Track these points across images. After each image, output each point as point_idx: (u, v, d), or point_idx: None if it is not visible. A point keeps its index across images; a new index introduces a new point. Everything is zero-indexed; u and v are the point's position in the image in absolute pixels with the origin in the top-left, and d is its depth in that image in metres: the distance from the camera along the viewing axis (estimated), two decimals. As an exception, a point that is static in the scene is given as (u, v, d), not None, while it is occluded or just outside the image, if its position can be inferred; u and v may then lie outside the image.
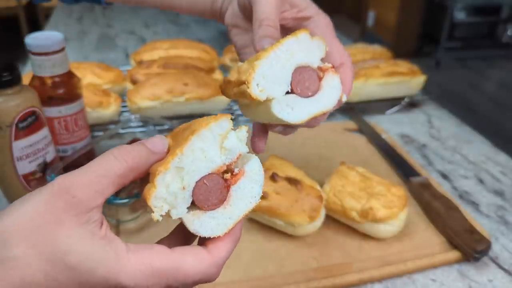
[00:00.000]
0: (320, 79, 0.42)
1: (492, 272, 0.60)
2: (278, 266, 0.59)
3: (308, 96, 0.41)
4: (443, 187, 0.76)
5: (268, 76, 0.39)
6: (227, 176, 0.35)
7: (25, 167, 0.66)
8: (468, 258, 0.61)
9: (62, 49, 0.69)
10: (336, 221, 0.66)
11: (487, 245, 0.59)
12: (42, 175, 0.68)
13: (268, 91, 0.39)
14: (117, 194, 0.67)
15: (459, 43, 4.17)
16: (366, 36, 4.46)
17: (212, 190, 0.34)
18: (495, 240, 0.65)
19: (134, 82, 0.99)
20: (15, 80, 0.62)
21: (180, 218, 0.34)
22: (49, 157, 0.69)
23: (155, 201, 0.32)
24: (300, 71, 0.41)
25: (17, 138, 0.63)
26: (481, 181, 0.79)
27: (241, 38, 0.52)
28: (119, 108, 0.92)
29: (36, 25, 3.77)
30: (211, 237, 0.34)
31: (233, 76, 0.41)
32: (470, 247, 0.59)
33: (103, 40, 1.49)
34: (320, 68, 0.42)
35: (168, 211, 0.33)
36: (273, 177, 0.63)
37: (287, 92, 0.40)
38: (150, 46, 1.14)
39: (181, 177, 0.33)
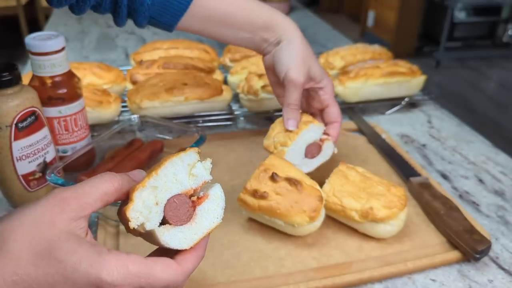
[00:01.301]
0: (320, 146, 0.71)
1: (492, 272, 0.60)
2: (278, 266, 0.59)
3: (315, 157, 0.72)
4: (443, 187, 0.76)
5: (292, 158, 0.69)
6: (194, 198, 0.42)
7: (24, 167, 0.66)
8: (468, 258, 0.61)
9: (62, 49, 0.69)
10: (336, 221, 0.66)
11: (488, 245, 0.59)
12: (42, 175, 0.68)
13: (297, 164, 0.70)
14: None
15: (459, 43, 4.17)
16: (366, 36, 4.46)
17: (180, 208, 0.40)
18: (495, 240, 0.65)
19: (134, 82, 0.99)
20: (15, 80, 0.62)
21: (153, 231, 0.39)
22: (49, 157, 0.69)
23: (132, 212, 0.38)
24: (311, 146, 0.71)
25: (16, 138, 0.63)
26: (481, 181, 0.79)
27: (272, 77, 0.76)
28: (119, 108, 0.92)
29: (36, 25, 3.77)
30: (179, 249, 0.40)
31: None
32: (470, 247, 0.59)
33: (103, 40, 1.49)
34: (321, 140, 0.72)
35: (143, 224, 0.38)
36: (273, 177, 0.63)
37: (305, 157, 0.71)
38: (150, 46, 1.14)
39: (155, 194, 0.39)
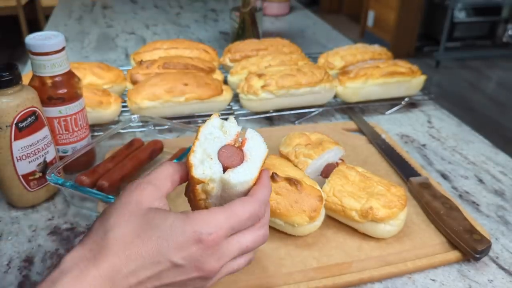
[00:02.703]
0: (334, 167, 0.69)
1: (492, 272, 0.60)
2: (278, 266, 0.59)
3: (327, 177, 0.68)
4: (443, 187, 0.76)
5: (310, 172, 0.70)
6: (237, 145, 0.47)
7: (25, 167, 0.66)
8: (469, 258, 0.61)
9: (62, 49, 0.69)
10: (336, 221, 0.66)
11: (488, 245, 0.59)
12: (42, 175, 0.68)
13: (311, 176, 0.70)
14: (117, 194, 0.67)
15: (459, 43, 4.17)
16: (366, 36, 4.46)
17: (231, 154, 0.46)
18: (495, 240, 0.65)
19: (134, 82, 0.99)
20: (15, 80, 0.62)
21: (222, 179, 0.44)
22: (49, 157, 0.69)
23: (196, 171, 0.44)
24: (329, 165, 0.71)
25: (17, 138, 0.63)
26: (481, 181, 0.79)
27: None
28: (119, 108, 0.92)
29: (36, 25, 3.77)
30: (248, 182, 0.45)
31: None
32: (470, 247, 0.59)
33: (103, 40, 1.49)
34: (337, 163, 0.71)
35: (211, 178, 0.44)
36: (273, 177, 0.63)
37: (320, 175, 0.72)
38: (150, 46, 1.14)
39: (206, 153, 0.45)
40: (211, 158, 0.45)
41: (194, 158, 0.44)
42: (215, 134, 0.46)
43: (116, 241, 0.39)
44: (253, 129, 0.49)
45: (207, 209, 0.43)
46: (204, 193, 0.46)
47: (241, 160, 0.46)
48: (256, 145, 0.47)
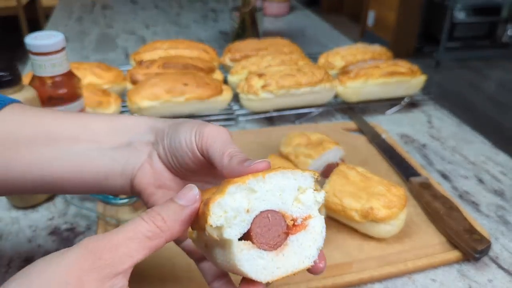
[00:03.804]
0: (336, 166, 0.68)
1: (492, 272, 0.60)
2: (278, 266, 0.59)
3: (327, 177, 0.66)
4: (443, 187, 0.76)
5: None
6: (289, 223, 0.33)
7: (25, 167, 0.66)
8: (468, 258, 0.61)
9: (62, 49, 0.69)
10: (337, 221, 0.66)
11: (487, 245, 0.59)
12: (42, 175, 0.68)
13: None
14: (117, 195, 0.67)
15: (459, 43, 4.16)
16: (366, 36, 4.46)
17: (271, 228, 0.32)
18: (495, 240, 0.65)
19: (134, 82, 0.99)
20: (15, 80, 0.62)
21: (229, 243, 0.31)
22: (49, 157, 0.69)
23: (217, 207, 0.30)
24: (329, 165, 0.71)
25: (17, 138, 0.63)
26: (481, 181, 0.79)
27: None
28: (119, 108, 0.92)
29: (36, 25, 3.77)
30: (251, 279, 0.31)
31: None
32: (470, 247, 0.59)
33: (103, 40, 1.49)
34: (337, 163, 0.71)
35: (221, 228, 0.31)
36: (273, 177, 0.63)
37: (321, 176, 0.64)
38: (150, 46, 1.14)
39: (250, 199, 0.31)
40: (248, 212, 0.31)
41: (234, 191, 0.31)
42: (284, 193, 0.32)
43: None
44: (323, 222, 0.34)
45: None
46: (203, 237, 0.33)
47: (275, 246, 0.32)
48: (306, 246, 0.33)
